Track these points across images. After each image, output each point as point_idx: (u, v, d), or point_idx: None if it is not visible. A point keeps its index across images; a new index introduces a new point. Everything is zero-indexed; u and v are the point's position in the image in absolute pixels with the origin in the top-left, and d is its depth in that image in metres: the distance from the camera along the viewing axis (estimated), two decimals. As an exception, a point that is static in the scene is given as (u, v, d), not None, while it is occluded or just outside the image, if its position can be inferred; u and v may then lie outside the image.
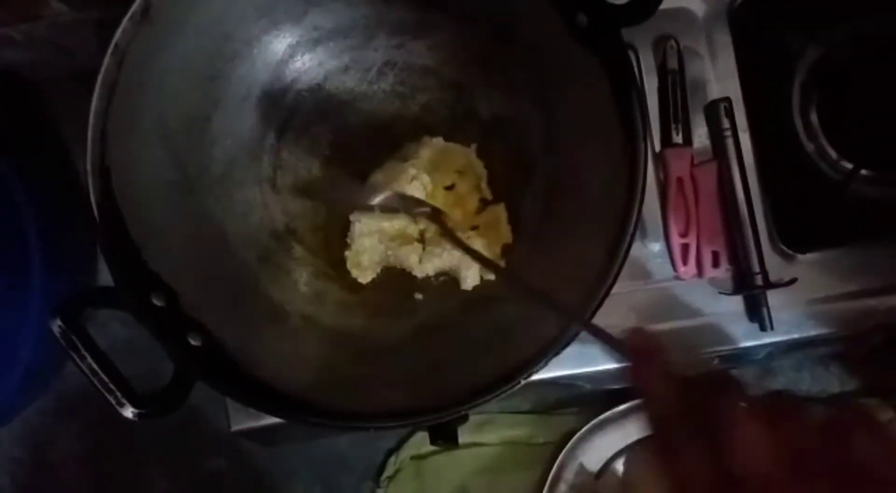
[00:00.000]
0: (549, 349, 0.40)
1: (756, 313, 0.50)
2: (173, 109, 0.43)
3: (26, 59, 0.55)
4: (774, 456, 0.24)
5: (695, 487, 0.25)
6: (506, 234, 0.48)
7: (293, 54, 0.48)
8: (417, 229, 0.48)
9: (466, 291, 0.47)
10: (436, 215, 0.45)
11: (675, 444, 0.26)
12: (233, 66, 0.46)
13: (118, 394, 0.36)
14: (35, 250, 0.53)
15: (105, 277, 0.39)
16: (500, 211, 0.48)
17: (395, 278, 0.49)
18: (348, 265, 0.48)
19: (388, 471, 0.61)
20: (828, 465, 0.24)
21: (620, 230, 0.40)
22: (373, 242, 0.47)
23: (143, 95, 0.40)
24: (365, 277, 0.48)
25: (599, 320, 0.40)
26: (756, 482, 0.24)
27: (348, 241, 0.48)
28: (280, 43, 0.47)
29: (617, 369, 0.50)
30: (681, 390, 0.27)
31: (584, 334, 0.39)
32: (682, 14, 0.52)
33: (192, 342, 0.40)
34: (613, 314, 0.50)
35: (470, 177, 0.49)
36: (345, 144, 0.49)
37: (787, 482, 0.24)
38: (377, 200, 0.45)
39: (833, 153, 0.54)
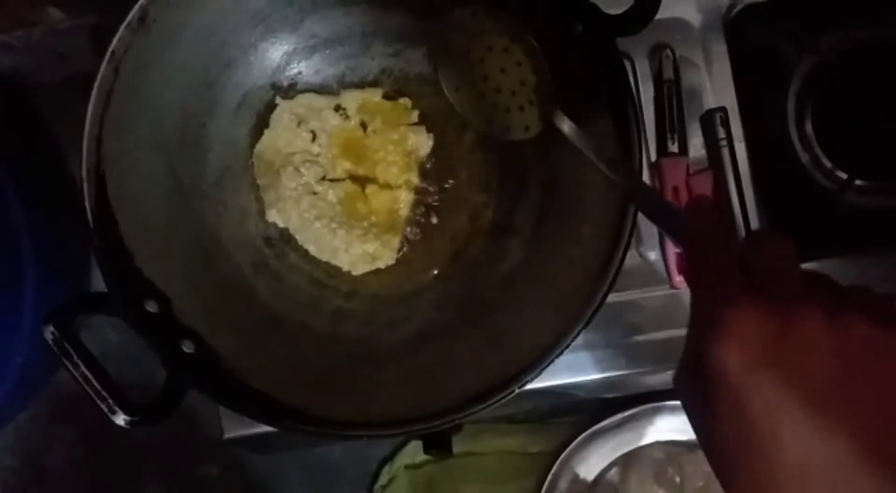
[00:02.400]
0: (544, 358, 0.40)
1: (751, 322, 0.50)
2: (169, 116, 0.43)
3: (22, 65, 0.55)
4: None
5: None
6: None
7: (289, 62, 0.48)
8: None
9: (462, 297, 0.47)
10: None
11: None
12: (229, 73, 0.46)
13: (110, 401, 0.36)
14: (28, 255, 0.52)
15: (98, 283, 0.39)
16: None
17: (393, 282, 0.49)
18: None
19: (382, 480, 0.61)
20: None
21: (616, 238, 0.40)
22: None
23: (138, 102, 0.40)
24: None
25: (595, 328, 0.40)
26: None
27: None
28: (276, 50, 0.47)
29: (611, 378, 0.50)
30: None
31: (574, 344, 0.40)
32: (677, 24, 0.52)
33: (185, 349, 0.40)
34: (609, 323, 0.51)
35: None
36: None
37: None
38: None
39: (828, 163, 0.54)
